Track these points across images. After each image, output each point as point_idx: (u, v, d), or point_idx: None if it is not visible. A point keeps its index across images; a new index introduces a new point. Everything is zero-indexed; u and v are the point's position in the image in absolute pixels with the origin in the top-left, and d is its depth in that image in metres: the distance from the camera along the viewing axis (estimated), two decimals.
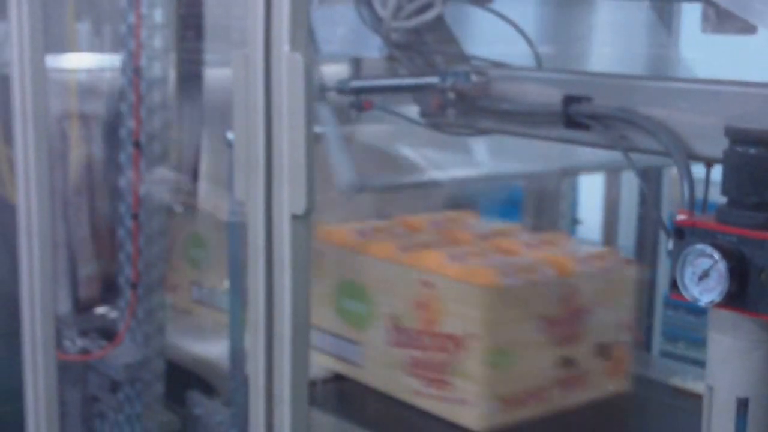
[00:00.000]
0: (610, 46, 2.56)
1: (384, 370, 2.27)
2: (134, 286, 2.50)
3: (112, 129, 2.68)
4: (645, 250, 2.85)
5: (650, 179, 2.72)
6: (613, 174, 2.83)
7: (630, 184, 2.82)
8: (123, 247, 2.52)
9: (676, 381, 2.46)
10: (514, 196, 3.06)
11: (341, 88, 1.89)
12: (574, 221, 3.14)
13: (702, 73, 2.36)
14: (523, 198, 2.99)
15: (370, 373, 2.32)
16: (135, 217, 2.47)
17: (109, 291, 2.87)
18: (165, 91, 2.48)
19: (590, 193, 3.06)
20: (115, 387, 2.56)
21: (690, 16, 2.47)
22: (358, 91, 1.90)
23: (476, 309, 2.10)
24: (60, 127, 2.81)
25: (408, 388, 2.23)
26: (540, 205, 2.95)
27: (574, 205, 3.16)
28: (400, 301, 2.23)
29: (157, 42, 2.43)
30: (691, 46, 2.59)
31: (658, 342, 2.93)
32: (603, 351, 2.31)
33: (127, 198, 2.49)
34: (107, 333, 2.65)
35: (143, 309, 2.52)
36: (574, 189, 3.07)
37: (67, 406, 2.70)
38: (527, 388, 2.19)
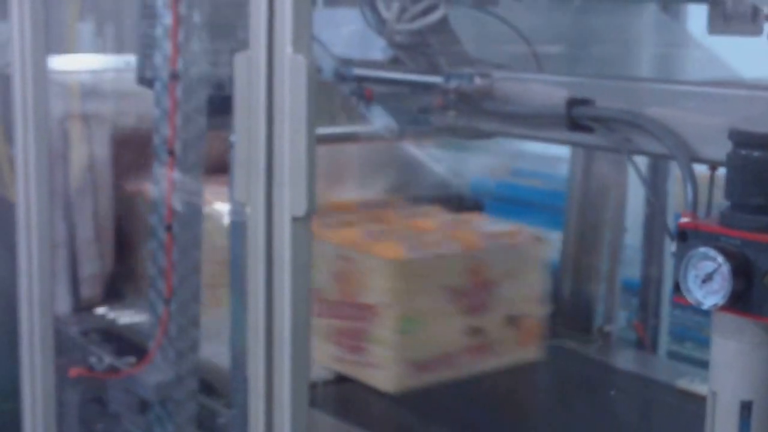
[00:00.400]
0: (620, 47, 2.56)
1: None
2: (167, 301, 2.34)
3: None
4: (652, 249, 2.85)
5: (656, 177, 2.72)
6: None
7: (636, 181, 2.81)
8: (156, 261, 2.37)
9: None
10: (556, 201, 3.05)
11: (344, 75, 1.90)
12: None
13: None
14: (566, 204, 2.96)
15: None
16: (169, 228, 2.32)
17: (111, 291, 2.87)
18: (202, 96, 2.33)
19: None
20: (144, 407, 2.44)
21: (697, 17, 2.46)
22: (361, 79, 1.90)
23: (386, 280, 2.27)
24: (62, 127, 2.81)
25: (330, 355, 2.38)
26: (584, 212, 2.90)
27: None
28: (322, 274, 2.36)
29: (195, 44, 2.28)
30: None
31: (664, 342, 2.92)
32: (512, 321, 2.47)
33: (161, 209, 2.34)
34: (136, 349, 2.54)
35: (176, 325, 2.36)
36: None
37: (64, 407, 2.68)
38: (437, 353, 2.35)
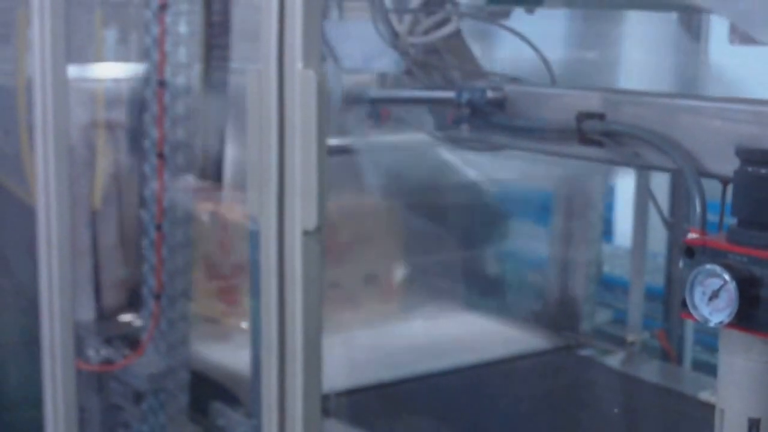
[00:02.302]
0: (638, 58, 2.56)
1: (204, 299, 2.74)
2: (158, 296, 2.50)
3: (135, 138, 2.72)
4: (676, 257, 2.84)
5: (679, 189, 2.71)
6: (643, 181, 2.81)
7: (660, 190, 2.80)
8: (146, 258, 2.52)
9: None
10: (544, 201, 3.06)
11: (359, 98, 1.90)
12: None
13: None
14: (553, 204, 2.98)
15: (197, 303, 2.74)
16: (159, 227, 2.48)
17: (134, 299, 2.89)
18: (189, 101, 2.48)
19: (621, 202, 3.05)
20: (138, 397, 2.56)
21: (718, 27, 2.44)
22: (376, 101, 1.91)
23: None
24: (87, 135, 2.83)
25: (218, 311, 2.74)
26: (570, 212, 2.94)
27: (608, 212, 3.15)
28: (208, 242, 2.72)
29: (182, 53, 2.43)
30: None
31: (690, 351, 2.90)
32: (370, 280, 2.86)
33: (151, 208, 2.50)
34: (131, 343, 2.66)
35: (167, 319, 2.51)
36: (607, 197, 3.06)
37: (86, 413, 2.71)
38: None
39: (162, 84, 2.41)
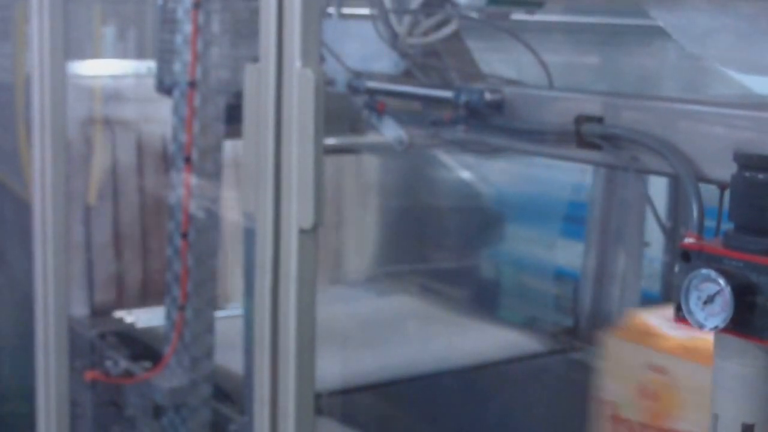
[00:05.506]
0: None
1: None
2: (182, 307, 2.36)
3: None
4: (673, 263, 2.83)
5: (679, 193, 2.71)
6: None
7: (658, 193, 2.81)
8: (171, 267, 2.39)
9: None
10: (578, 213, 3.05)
11: (356, 88, 1.90)
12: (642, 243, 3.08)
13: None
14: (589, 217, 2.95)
15: None
16: (184, 236, 2.34)
17: (128, 295, 2.89)
18: (219, 104, 2.34)
19: None
20: (158, 411, 2.43)
21: None
22: (372, 92, 1.91)
23: None
24: (84, 132, 2.83)
25: None
26: (606, 225, 2.90)
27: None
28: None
29: (214, 53, 2.30)
30: None
31: None
32: None
33: (177, 215, 2.36)
34: (153, 353, 2.55)
35: (191, 332, 2.38)
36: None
37: (78, 408, 2.69)
38: None
39: (193, 84, 2.27)
